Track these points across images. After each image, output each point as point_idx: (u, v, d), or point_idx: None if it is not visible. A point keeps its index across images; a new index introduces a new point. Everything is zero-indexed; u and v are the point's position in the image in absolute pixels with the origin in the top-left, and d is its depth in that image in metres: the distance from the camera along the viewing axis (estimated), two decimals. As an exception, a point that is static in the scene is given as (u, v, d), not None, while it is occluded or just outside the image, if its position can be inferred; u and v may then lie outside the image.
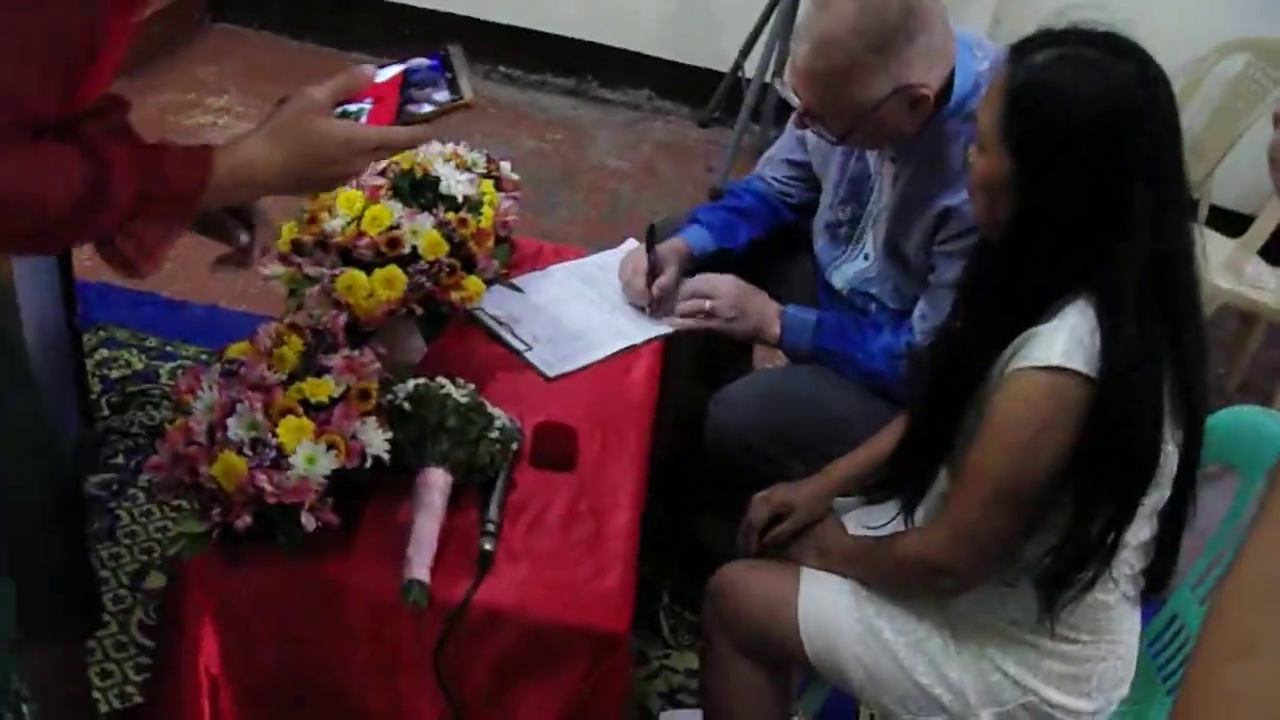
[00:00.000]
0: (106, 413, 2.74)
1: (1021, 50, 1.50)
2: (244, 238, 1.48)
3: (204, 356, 2.95)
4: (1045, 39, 1.49)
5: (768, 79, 4.28)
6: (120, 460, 2.61)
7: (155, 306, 3.14)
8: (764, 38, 4.26)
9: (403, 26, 4.89)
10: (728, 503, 2.04)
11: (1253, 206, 3.73)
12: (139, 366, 2.90)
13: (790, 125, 2.30)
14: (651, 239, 2.21)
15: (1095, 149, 1.43)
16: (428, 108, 1.39)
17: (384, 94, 1.37)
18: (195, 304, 3.19)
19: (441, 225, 1.81)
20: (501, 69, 4.95)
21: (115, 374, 2.86)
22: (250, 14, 4.90)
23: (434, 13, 4.84)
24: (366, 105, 1.36)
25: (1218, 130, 3.67)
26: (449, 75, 1.42)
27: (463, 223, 1.84)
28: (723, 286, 2.17)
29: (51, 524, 1.63)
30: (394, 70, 1.41)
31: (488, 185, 1.98)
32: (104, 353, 2.92)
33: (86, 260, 3.08)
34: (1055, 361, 1.44)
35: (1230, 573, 0.64)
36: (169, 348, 2.99)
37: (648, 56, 4.83)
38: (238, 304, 3.21)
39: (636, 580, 1.66)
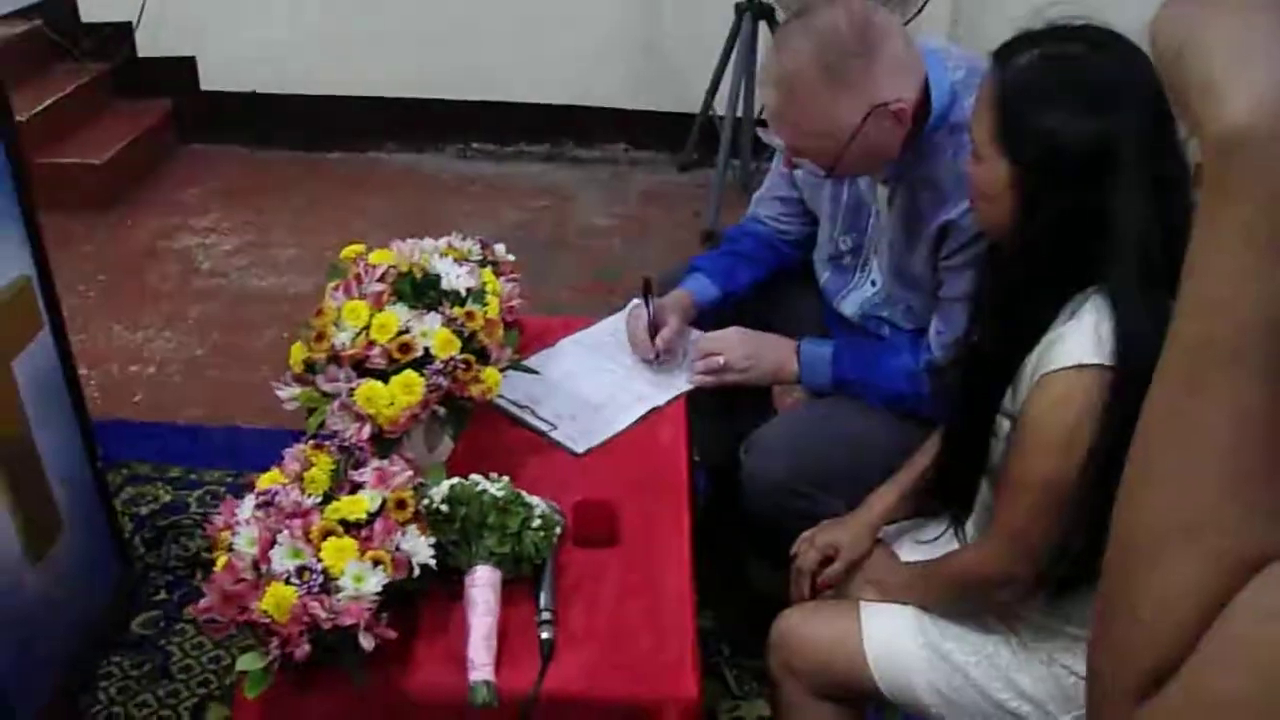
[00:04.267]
0: (142, 550, 2.74)
1: (1004, 55, 1.51)
2: None
3: (229, 479, 2.96)
4: (1026, 41, 1.50)
5: (739, 114, 4.31)
6: (163, 595, 2.61)
7: (172, 435, 3.16)
8: (728, 74, 4.30)
9: (369, 121, 4.93)
10: (773, 545, 2.04)
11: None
12: (167, 499, 2.90)
13: (776, 163, 2.31)
14: (649, 291, 2.22)
15: (1089, 141, 1.44)
16: None
17: None
18: (211, 426, 3.20)
19: (450, 322, 1.81)
20: (475, 145, 4.99)
21: (144, 510, 2.86)
22: (218, 132, 4.95)
23: (399, 100, 4.88)
24: None
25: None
26: None
27: (470, 316, 1.84)
28: (729, 339, 2.18)
29: None
30: None
31: (488, 274, 1.98)
32: (130, 490, 2.92)
33: (96, 396, 3.12)
34: (1082, 359, 1.45)
35: None
36: (193, 475, 2.99)
37: (618, 110, 4.87)
38: (255, 420, 3.22)
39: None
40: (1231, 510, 0.58)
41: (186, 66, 4.87)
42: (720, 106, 4.39)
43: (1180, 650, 0.58)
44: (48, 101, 4.44)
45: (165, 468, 3.02)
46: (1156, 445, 0.63)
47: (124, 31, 4.76)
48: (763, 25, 4.20)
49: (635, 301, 2.29)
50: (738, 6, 4.20)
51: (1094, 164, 1.43)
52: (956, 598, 1.69)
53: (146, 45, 4.82)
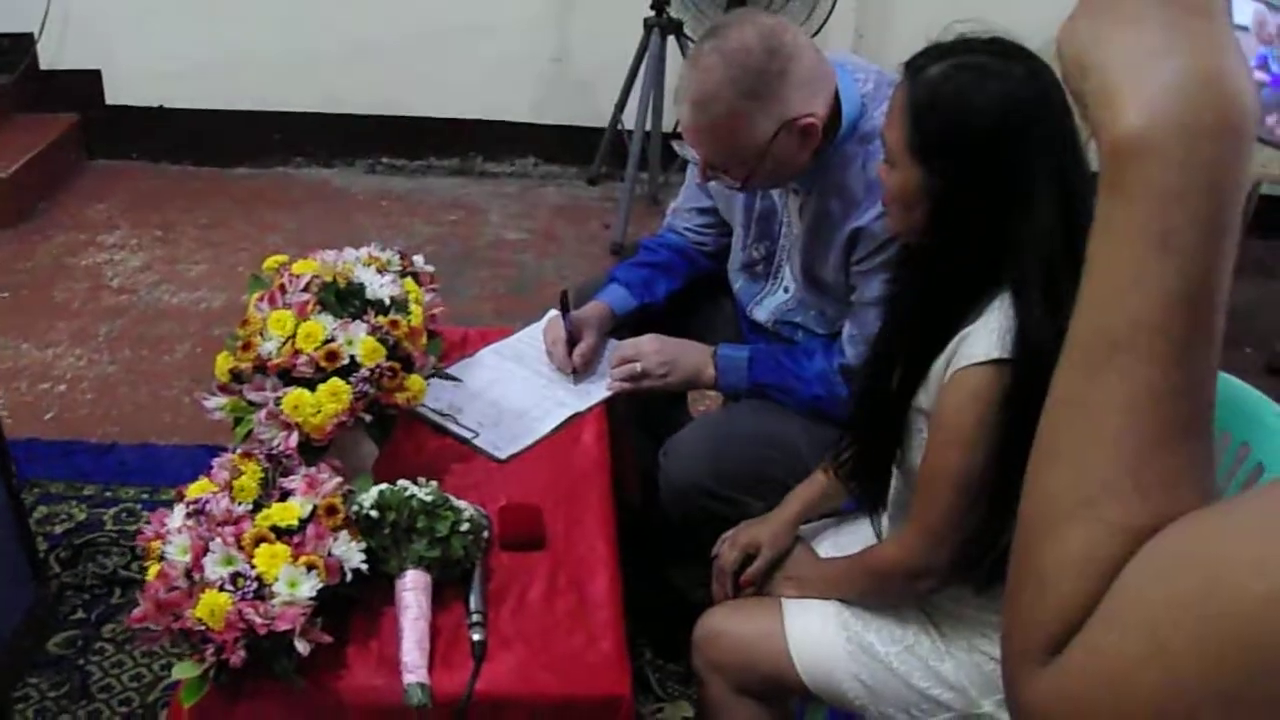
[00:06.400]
0: (57, 570, 2.70)
1: (916, 66, 1.58)
2: None
3: (145, 496, 2.94)
4: (937, 52, 1.57)
5: (648, 128, 4.36)
6: (80, 614, 2.58)
7: (85, 453, 3.12)
8: (636, 89, 4.34)
9: (274, 134, 4.91)
10: (694, 548, 2.08)
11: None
12: (82, 518, 2.87)
13: (690, 176, 2.36)
14: (565, 305, 2.25)
15: (998, 147, 1.51)
16: None
17: None
18: (125, 445, 3.17)
19: (375, 330, 1.82)
20: (385, 160, 4.98)
21: (59, 529, 2.83)
22: (125, 147, 4.88)
23: (305, 115, 4.86)
24: None
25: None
26: None
27: (394, 324, 1.86)
28: (645, 346, 2.21)
29: None
30: None
31: (410, 283, 2.01)
32: (43, 509, 2.89)
33: (5, 415, 3.07)
34: (992, 355, 1.52)
35: None
36: (108, 493, 2.96)
37: (527, 124, 4.89)
38: (168, 438, 3.20)
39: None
40: (1126, 484, 0.62)
41: (91, 80, 4.80)
42: (629, 121, 4.44)
43: (1081, 614, 0.62)
44: (-53, 115, 4.36)
45: (79, 486, 2.99)
46: (1057, 428, 0.67)
47: (25, 43, 4.68)
48: (671, 40, 4.25)
49: (552, 313, 2.32)
50: (646, 22, 4.25)
51: (1003, 170, 1.50)
52: (876, 591, 1.75)
53: (49, 58, 4.75)
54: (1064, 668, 0.62)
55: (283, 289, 1.87)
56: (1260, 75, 0.68)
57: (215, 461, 1.69)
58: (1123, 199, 0.63)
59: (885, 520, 1.79)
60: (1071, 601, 0.63)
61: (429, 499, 1.71)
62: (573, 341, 2.23)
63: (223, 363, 1.84)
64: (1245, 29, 0.68)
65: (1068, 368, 0.67)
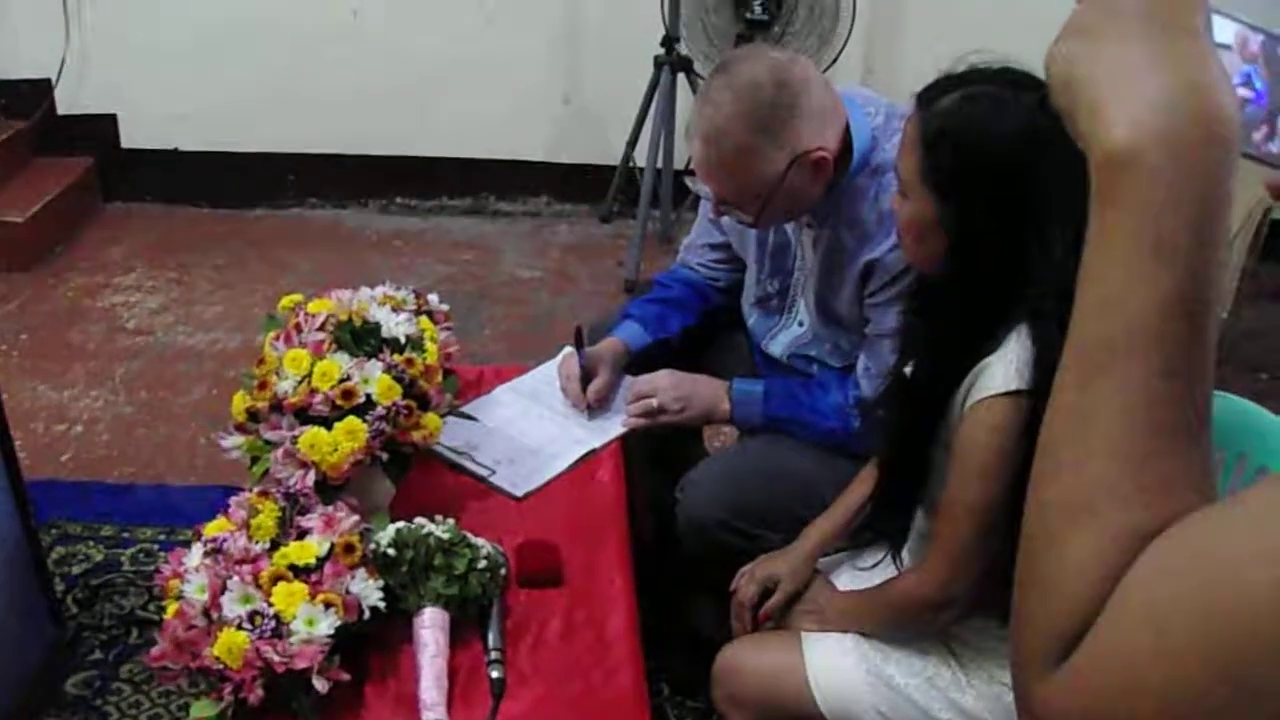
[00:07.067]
0: (75, 610, 2.71)
1: (928, 97, 1.59)
2: None
3: (162, 537, 2.94)
4: (948, 83, 1.58)
5: (659, 165, 4.38)
6: (98, 655, 2.58)
7: (103, 494, 3.13)
8: (648, 126, 4.36)
9: (288, 175, 4.93)
10: (712, 584, 2.07)
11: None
12: (99, 558, 2.88)
13: (703, 211, 2.37)
14: (580, 341, 2.25)
15: (1011, 176, 1.52)
16: None
17: None
18: (142, 485, 3.18)
19: (390, 369, 1.83)
20: (399, 200, 5.00)
21: (76, 570, 2.83)
22: (141, 189, 4.91)
23: (318, 156, 4.89)
24: None
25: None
26: None
27: (410, 363, 1.86)
28: (661, 381, 2.21)
29: None
30: None
31: (425, 321, 2.02)
32: (61, 550, 2.89)
33: (23, 456, 3.08)
34: (1011, 386, 1.52)
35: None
36: (125, 534, 2.97)
37: (539, 163, 4.91)
38: (184, 478, 3.21)
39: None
40: (1127, 488, 0.63)
41: (107, 124, 4.84)
42: (640, 158, 4.45)
43: (1088, 619, 0.62)
44: (-35, 161, 4.40)
45: (96, 526, 2.99)
46: (1058, 437, 0.68)
47: (43, 88, 4.72)
48: (681, 77, 4.27)
49: (567, 349, 2.33)
50: (657, 60, 4.27)
51: (1016, 198, 1.50)
52: (896, 623, 1.74)
53: (66, 102, 4.79)
54: (1073, 671, 0.63)
55: (298, 328, 1.88)
56: (1243, 92, 0.70)
57: (232, 500, 1.69)
58: (1114, 210, 0.65)
59: (905, 552, 1.78)
60: (1077, 606, 0.63)
61: (446, 536, 1.71)
62: (587, 378, 2.23)
63: (239, 402, 1.84)
64: (1228, 47, 0.70)
65: (1066, 377, 0.69)
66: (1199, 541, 0.60)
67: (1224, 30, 0.70)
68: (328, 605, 1.52)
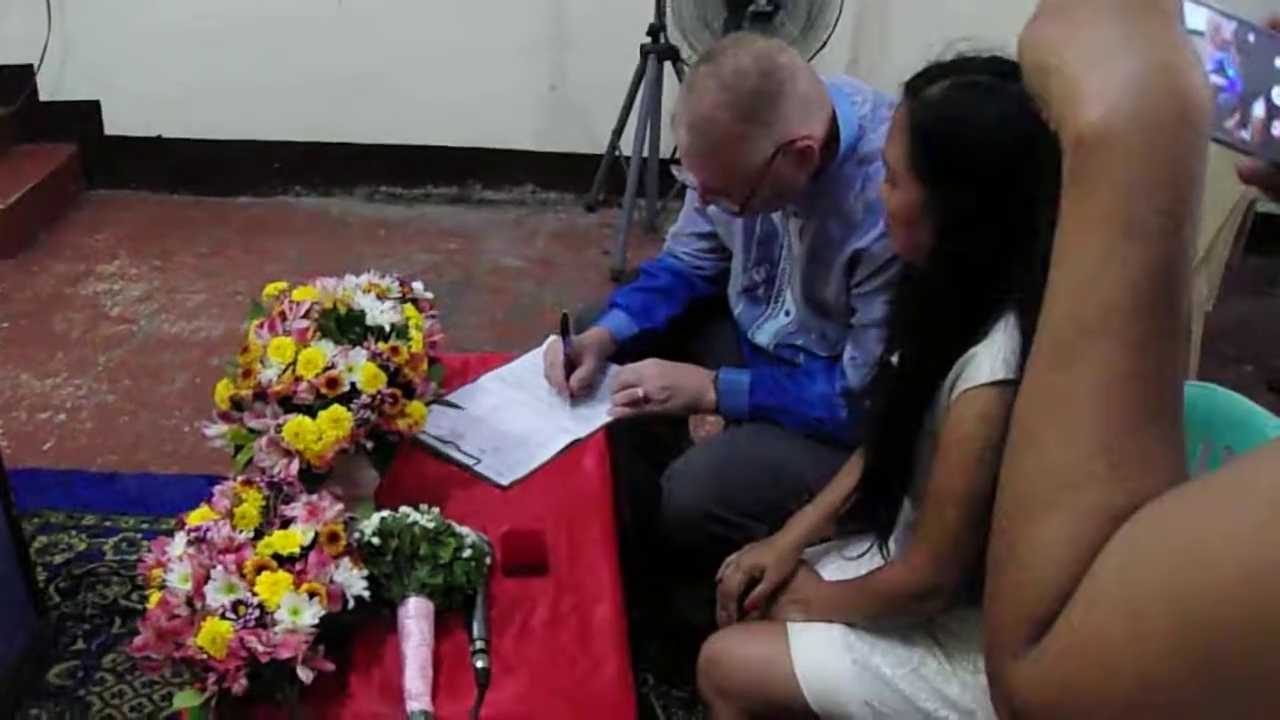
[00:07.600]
0: (57, 600, 2.69)
1: (916, 85, 1.58)
2: None
3: (145, 526, 2.93)
4: (936, 72, 1.58)
5: (645, 154, 4.37)
6: (81, 645, 2.57)
7: (85, 483, 3.11)
8: (634, 115, 4.36)
9: (273, 161, 4.92)
10: (697, 574, 2.07)
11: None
12: (81, 547, 2.86)
13: (689, 201, 2.36)
14: (565, 329, 2.25)
15: (1000, 165, 1.51)
16: None
17: None
18: (125, 474, 3.16)
19: (375, 357, 1.82)
20: (383, 189, 4.99)
21: (58, 559, 2.82)
22: (124, 176, 4.89)
23: (303, 144, 4.88)
24: None
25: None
26: None
27: (395, 351, 1.85)
28: (646, 371, 2.21)
29: None
30: None
31: (410, 309, 2.01)
32: (43, 539, 2.88)
33: (4, 444, 3.07)
34: (998, 376, 1.52)
35: None
36: (108, 523, 2.95)
37: (524, 152, 4.91)
38: (167, 467, 3.19)
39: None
40: (1100, 466, 0.63)
41: (91, 110, 4.82)
42: (626, 147, 4.45)
43: (1061, 599, 0.62)
44: (-53, 146, 4.37)
45: (79, 515, 2.98)
46: (1031, 417, 0.69)
47: (25, 74, 4.70)
48: (668, 66, 4.27)
49: (553, 337, 2.32)
50: (643, 48, 4.26)
51: (1004, 187, 1.50)
52: (883, 612, 1.74)
53: (49, 89, 4.76)
54: (1046, 652, 0.63)
55: (283, 316, 1.86)
56: (1216, 79, 0.70)
57: (216, 489, 1.68)
58: (1087, 190, 0.66)
59: (891, 541, 1.78)
60: (1051, 586, 0.63)
61: (431, 525, 1.70)
62: (572, 366, 2.23)
63: (223, 390, 1.83)
64: (1200, 34, 0.70)
65: (1039, 357, 0.69)
66: (1171, 522, 0.60)
67: (1196, 17, 0.70)
68: (312, 594, 1.51)
